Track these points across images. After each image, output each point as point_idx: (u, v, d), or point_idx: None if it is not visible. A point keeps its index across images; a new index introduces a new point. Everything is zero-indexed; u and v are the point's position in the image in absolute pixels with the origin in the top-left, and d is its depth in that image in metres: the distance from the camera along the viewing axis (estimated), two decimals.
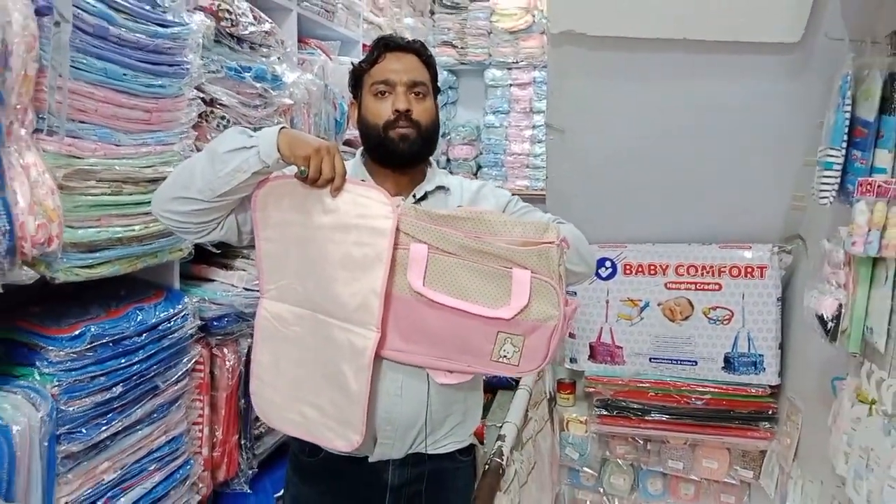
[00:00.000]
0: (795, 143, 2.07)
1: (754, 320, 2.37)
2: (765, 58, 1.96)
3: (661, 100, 2.14)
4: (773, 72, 2.00)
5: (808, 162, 1.84)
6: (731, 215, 2.38)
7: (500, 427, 1.70)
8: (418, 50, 1.46)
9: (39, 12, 1.18)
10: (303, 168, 1.19)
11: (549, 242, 1.22)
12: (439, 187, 1.46)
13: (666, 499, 2.69)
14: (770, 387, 2.38)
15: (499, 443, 1.62)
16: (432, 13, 4.43)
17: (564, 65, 2.15)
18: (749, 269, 2.37)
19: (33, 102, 1.20)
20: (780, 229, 2.38)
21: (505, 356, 1.27)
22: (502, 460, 1.54)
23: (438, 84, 1.53)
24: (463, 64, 4.49)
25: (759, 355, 2.38)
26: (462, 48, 4.44)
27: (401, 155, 1.39)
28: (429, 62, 1.47)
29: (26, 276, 1.20)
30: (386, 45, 1.44)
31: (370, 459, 1.37)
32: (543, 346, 1.26)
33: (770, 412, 2.39)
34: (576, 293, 2.54)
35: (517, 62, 4.33)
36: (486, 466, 1.51)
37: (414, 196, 1.42)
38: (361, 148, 1.48)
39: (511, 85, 4.39)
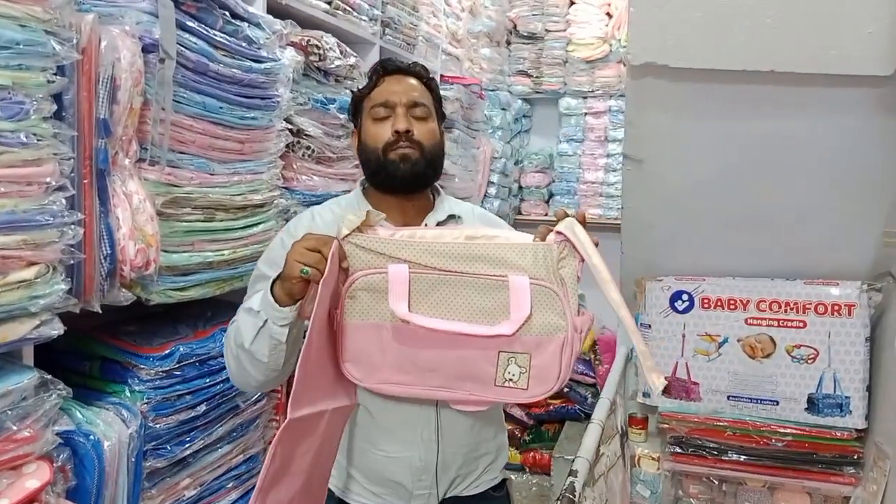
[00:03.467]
0: (887, 178, 1.99)
1: (841, 360, 2.27)
2: (855, 91, 1.89)
3: (745, 133, 2.09)
4: (864, 105, 1.93)
5: None
6: (818, 251, 2.30)
7: (573, 462, 1.67)
8: (419, 73, 1.40)
9: (146, 49, 1.25)
10: (304, 269, 1.09)
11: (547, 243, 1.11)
12: (451, 216, 1.40)
13: None
14: (856, 430, 2.26)
15: (570, 478, 1.59)
16: (509, 43, 4.45)
17: (643, 96, 2.13)
18: (836, 307, 2.27)
19: (137, 134, 1.27)
20: (869, 266, 2.28)
21: (511, 379, 1.14)
22: (574, 497, 1.51)
23: (444, 109, 1.46)
24: (537, 93, 4.49)
25: (846, 397, 2.27)
26: (537, 77, 4.44)
27: (402, 177, 1.32)
28: (430, 85, 1.41)
29: (124, 297, 1.26)
30: (385, 69, 1.38)
31: None
32: (554, 363, 1.13)
33: (855, 457, 2.27)
34: (650, 326, 2.49)
35: (592, 91, 4.31)
36: (558, 502, 1.49)
37: (426, 226, 1.35)
38: (361, 178, 1.42)
39: (586, 113, 4.36)
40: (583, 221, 1.12)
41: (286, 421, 1.04)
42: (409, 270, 1.13)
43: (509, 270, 1.12)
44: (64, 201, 1.10)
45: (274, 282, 1.15)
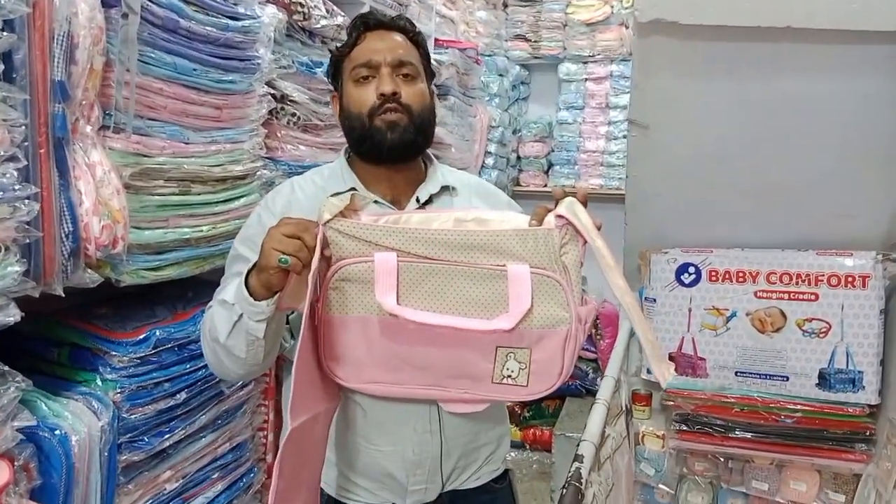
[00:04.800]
0: None
1: (854, 334, 2.20)
2: (875, 49, 1.80)
3: (758, 96, 2.00)
4: (884, 65, 1.85)
5: None
6: (831, 220, 2.22)
7: (578, 446, 1.58)
8: (404, 27, 1.27)
9: (106, 4, 1.13)
10: (283, 258, 0.98)
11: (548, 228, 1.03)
12: (444, 188, 1.28)
13: None
14: (869, 406, 2.19)
15: (576, 464, 1.50)
16: (505, 6, 4.31)
17: (651, 57, 2.03)
18: (850, 279, 2.19)
19: (99, 98, 1.15)
20: (884, 236, 2.20)
21: (509, 375, 1.07)
22: (581, 484, 1.42)
23: (432, 65, 1.33)
24: (536, 58, 4.35)
25: (859, 372, 2.20)
26: (535, 42, 4.30)
27: (390, 146, 1.20)
28: (417, 41, 1.28)
29: (90, 279, 1.15)
30: (366, 24, 1.24)
31: None
32: (556, 358, 1.05)
33: (867, 433, 2.20)
34: (655, 300, 2.41)
35: (593, 55, 4.17)
36: (563, 491, 1.40)
37: (417, 200, 1.25)
38: (346, 146, 1.30)
39: (586, 79, 4.23)
40: (584, 202, 1.03)
41: (288, 432, 0.97)
42: (397, 259, 1.04)
43: (507, 259, 1.04)
44: (15, 173, 0.99)
45: (249, 271, 1.05)
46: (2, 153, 0.96)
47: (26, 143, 1.01)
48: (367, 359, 1.08)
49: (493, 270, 1.04)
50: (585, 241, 1.03)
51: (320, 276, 1.03)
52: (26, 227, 1.00)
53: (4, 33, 0.96)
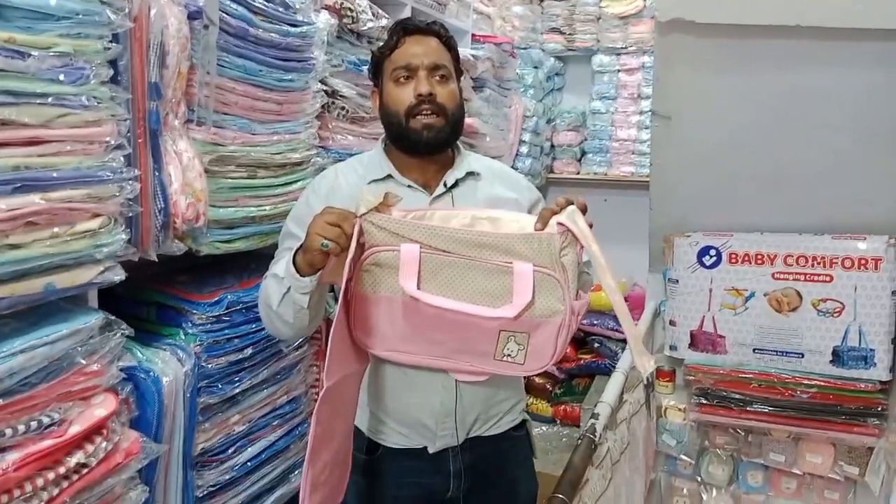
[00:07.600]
0: None
1: (866, 314, 2.29)
2: (881, 45, 1.88)
3: (772, 88, 2.10)
4: (890, 59, 1.92)
5: None
6: (845, 205, 2.30)
7: (595, 406, 1.76)
8: (439, 32, 1.42)
9: (191, 16, 1.33)
10: (324, 243, 1.16)
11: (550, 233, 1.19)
12: (470, 173, 1.44)
13: (766, 492, 2.62)
14: (880, 382, 2.28)
15: (592, 420, 1.68)
16: (541, 0, 4.43)
17: (671, 53, 2.14)
18: (863, 261, 2.28)
19: (185, 96, 1.36)
20: None
21: (509, 355, 1.24)
22: (595, 437, 1.59)
23: (468, 60, 1.51)
24: (570, 50, 4.44)
25: (871, 350, 2.29)
26: (570, 34, 4.39)
27: (426, 144, 1.36)
28: (450, 44, 1.43)
29: (177, 248, 1.37)
30: (405, 29, 1.40)
31: (430, 451, 1.42)
32: (550, 343, 1.22)
33: (879, 408, 2.29)
34: (678, 280, 2.53)
35: (626, 47, 4.25)
36: (579, 441, 1.58)
37: (444, 184, 1.41)
38: (382, 136, 1.47)
39: (619, 70, 4.30)
40: (583, 210, 1.20)
41: (323, 390, 1.16)
42: (420, 251, 1.21)
43: (514, 257, 1.20)
44: (122, 159, 1.19)
45: (297, 251, 1.24)
46: (112, 142, 1.17)
47: (129, 135, 1.22)
48: (390, 331, 1.27)
49: (501, 266, 1.20)
50: (583, 245, 1.19)
51: (355, 260, 1.21)
52: (130, 203, 1.21)
53: (113, 45, 1.17)
